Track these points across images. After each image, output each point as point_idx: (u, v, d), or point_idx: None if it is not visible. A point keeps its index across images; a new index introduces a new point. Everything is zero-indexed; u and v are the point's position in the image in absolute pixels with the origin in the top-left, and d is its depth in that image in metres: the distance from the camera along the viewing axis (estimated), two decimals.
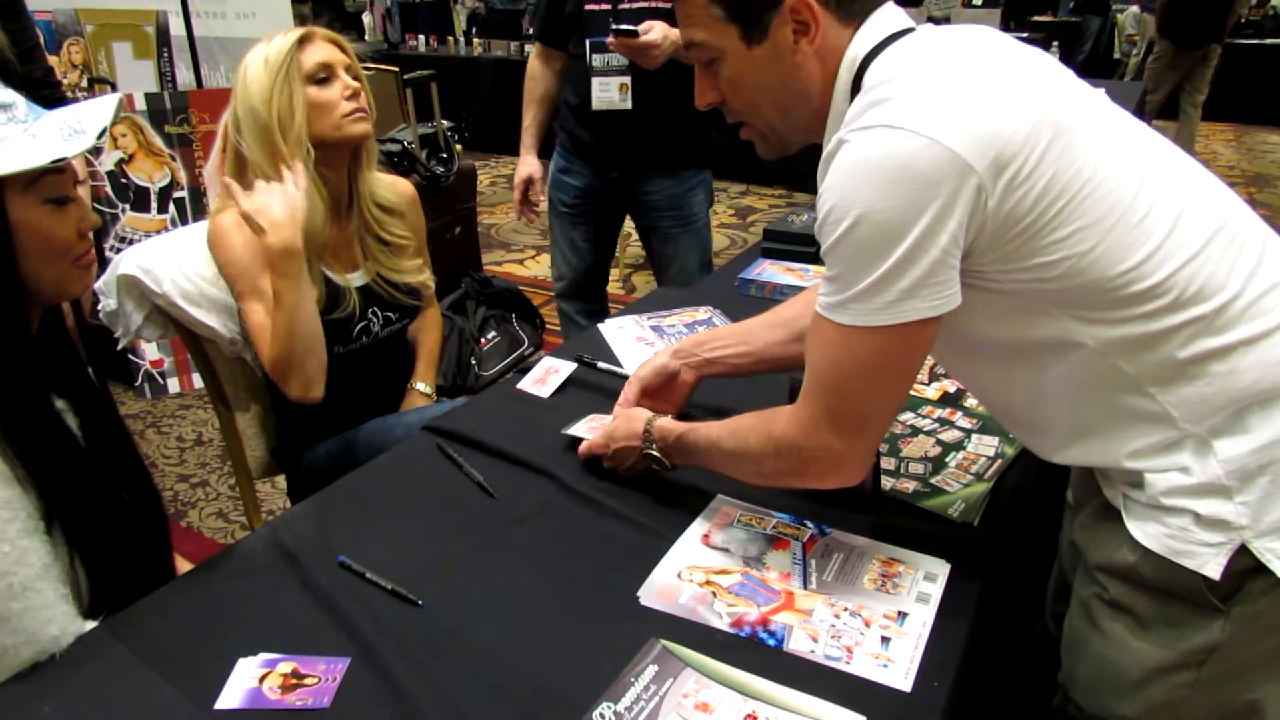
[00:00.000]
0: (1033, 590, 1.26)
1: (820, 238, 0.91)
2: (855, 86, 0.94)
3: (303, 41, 1.56)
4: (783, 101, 1.01)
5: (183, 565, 1.25)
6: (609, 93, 2.36)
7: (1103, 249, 0.86)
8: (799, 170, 6.08)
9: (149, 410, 3.35)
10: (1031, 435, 1.04)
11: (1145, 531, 0.92)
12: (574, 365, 1.62)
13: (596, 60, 2.34)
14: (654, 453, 1.20)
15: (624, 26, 2.23)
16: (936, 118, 0.84)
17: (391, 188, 1.76)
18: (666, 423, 1.20)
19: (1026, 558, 1.28)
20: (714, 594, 1.04)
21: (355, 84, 1.59)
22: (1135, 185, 0.88)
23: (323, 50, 1.57)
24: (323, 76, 1.55)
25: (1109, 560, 0.96)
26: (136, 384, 3.44)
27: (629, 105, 2.36)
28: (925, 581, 1.06)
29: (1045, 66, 0.95)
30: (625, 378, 1.58)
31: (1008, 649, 1.19)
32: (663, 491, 1.25)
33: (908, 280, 0.86)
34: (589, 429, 1.33)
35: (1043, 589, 1.24)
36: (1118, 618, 0.96)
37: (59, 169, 0.98)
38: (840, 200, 0.87)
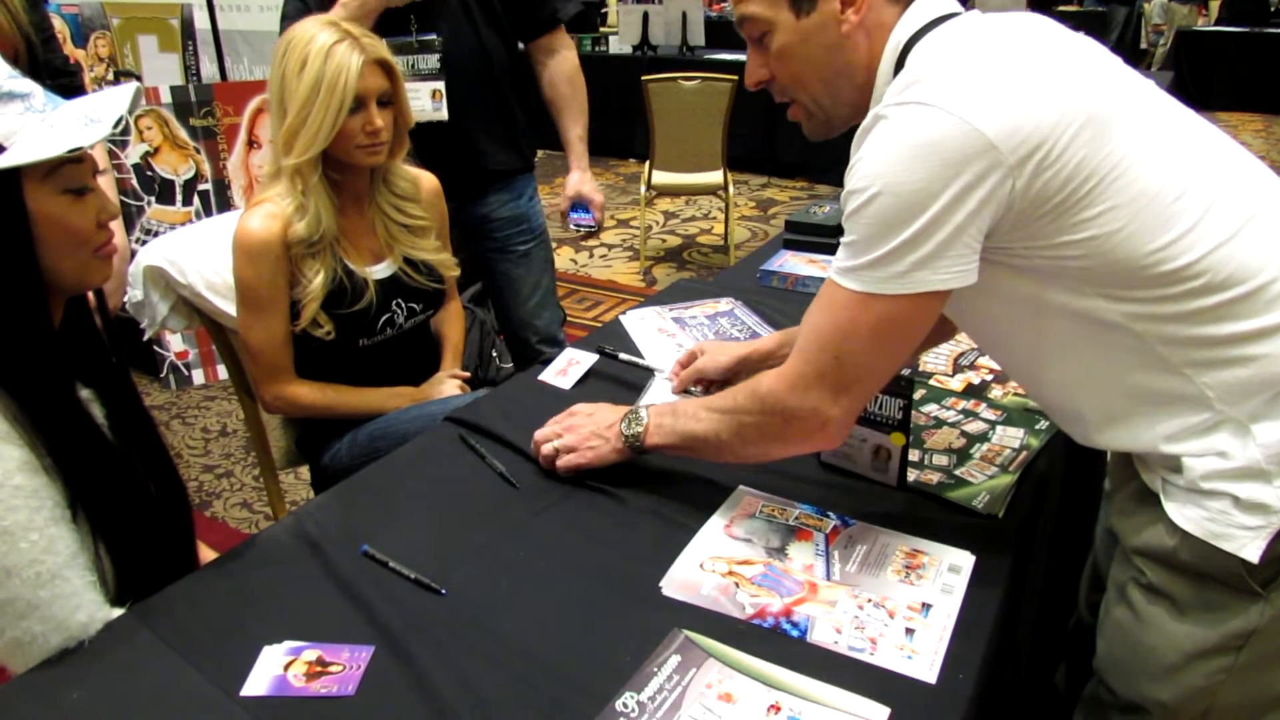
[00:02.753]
0: (1064, 583, 1.25)
1: (843, 204, 0.94)
2: (899, 69, 0.96)
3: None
4: (828, 76, 1.03)
5: (207, 554, 1.26)
6: (420, 101, 2.02)
7: (1132, 229, 0.87)
8: (820, 163, 6.05)
9: (173, 401, 3.39)
10: (1067, 419, 1.04)
11: (1184, 515, 0.91)
12: (595, 357, 1.62)
13: (399, 64, 1.98)
14: (640, 411, 1.20)
15: (581, 222, 2.13)
16: (969, 99, 0.86)
17: (414, 181, 1.76)
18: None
19: (1055, 550, 1.27)
20: (736, 584, 1.04)
21: (379, 123, 1.57)
22: (1169, 171, 0.88)
23: (365, 79, 1.54)
24: (353, 107, 1.54)
25: (1146, 544, 0.96)
26: (161, 375, 3.47)
27: (444, 115, 2.06)
28: (949, 573, 1.05)
29: (1090, 56, 0.95)
30: (647, 369, 1.58)
31: (1036, 640, 1.17)
32: (684, 483, 1.24)
33: (920, 253, 0.89)
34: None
35: (1074, 581, 1.23)
36: (1155, 601, 0.96)
37: (77, 159, 0.98)
38: (867, 170, 0.89)
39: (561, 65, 2.23)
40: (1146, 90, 0.95)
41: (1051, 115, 0.85)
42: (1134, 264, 0.87)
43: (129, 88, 1.01)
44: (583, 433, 1.24)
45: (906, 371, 1.17)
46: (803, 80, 1.04)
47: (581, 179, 2.28)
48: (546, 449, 1.25)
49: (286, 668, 0.93)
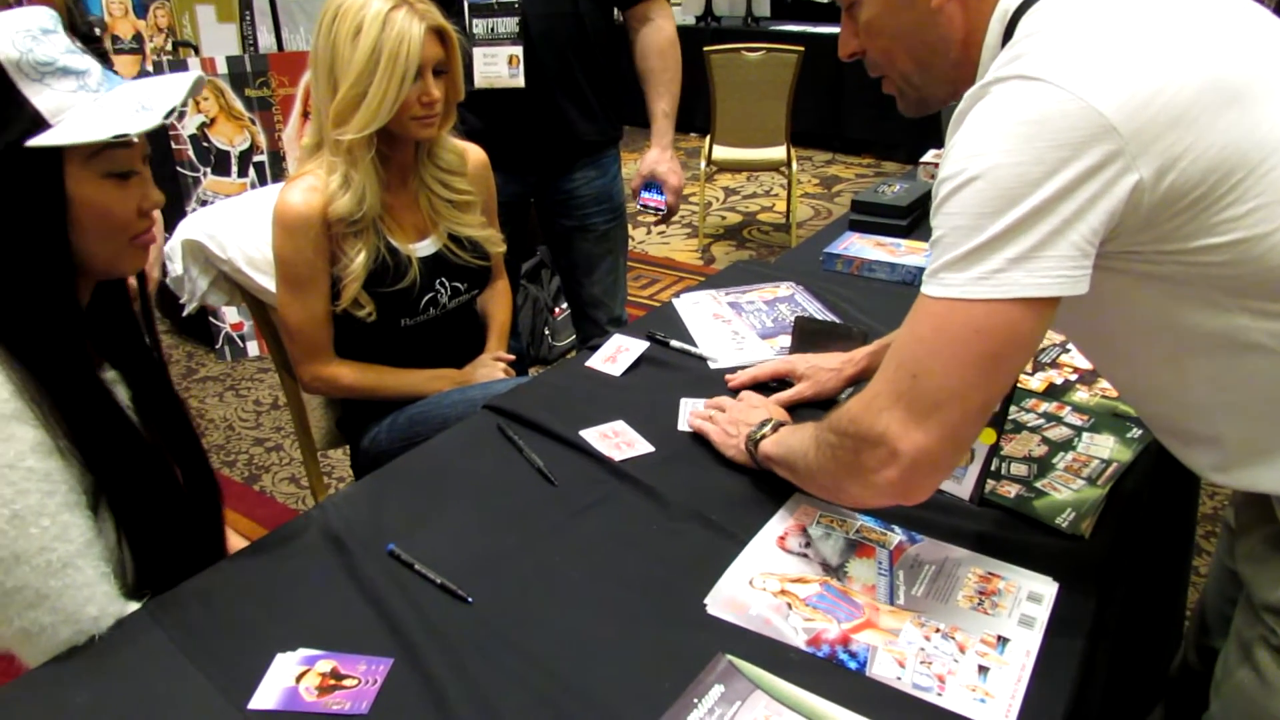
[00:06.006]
0: (1161, 615, 1.12)
1: (933, 196, 0.80)
2: (1008, 40, 0.82)
3: None
4: (919, 51, 0.92)
5: (236, 542, 1.21)
6: (495, 66, 1.95)
7: None
8: (888, 139, 5.85)
9: (228, 373, 3.39)
10: (1191, 449, 0.90)
11: None
12: (646, 344, 1.53)
13: (478, 26, 1.93)
14: (767, 430, 1.14)
15: (650, 203, 2.05)
16: (1085, 71, 0.72)
17: (460, 153, 1.68)
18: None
19: (1149, 578, 1.14)
20: (789, 605, 0.94)
21: (436, 94, 1.49)
22: None
23: (425, 48, 1.45)
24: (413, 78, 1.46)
25: None
26: (217, 346, 3.49)
27: (521, 82, 1.96)
28: (1029, 602, 0.94)
29: (1243, 19, 0.80)
30: (700, 358, 1.49)
31: (1114, 680, 1.06)
32: (736, 487, 1.15)
33: (1017, 249, 0.74)
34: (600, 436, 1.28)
35: (1173, 614, 1.11)
36: None
37: (126, 143, 0.94)
38: (961, 154, 0.76)
39: (655, 36, 2.11)
40: None
41: (1186, 91, 0.71)
42: None
43: (188, 76, 0.97)
44: (729, 416, 1.24)
45: None
46: (892, 56, 0.94)
47: (659, 157, 2.18)
48: (702, 411, 1.30)
49: (299, 679, 0.87)
